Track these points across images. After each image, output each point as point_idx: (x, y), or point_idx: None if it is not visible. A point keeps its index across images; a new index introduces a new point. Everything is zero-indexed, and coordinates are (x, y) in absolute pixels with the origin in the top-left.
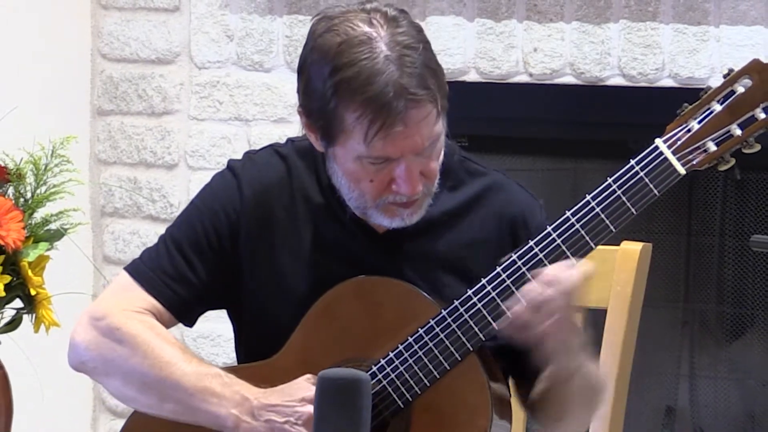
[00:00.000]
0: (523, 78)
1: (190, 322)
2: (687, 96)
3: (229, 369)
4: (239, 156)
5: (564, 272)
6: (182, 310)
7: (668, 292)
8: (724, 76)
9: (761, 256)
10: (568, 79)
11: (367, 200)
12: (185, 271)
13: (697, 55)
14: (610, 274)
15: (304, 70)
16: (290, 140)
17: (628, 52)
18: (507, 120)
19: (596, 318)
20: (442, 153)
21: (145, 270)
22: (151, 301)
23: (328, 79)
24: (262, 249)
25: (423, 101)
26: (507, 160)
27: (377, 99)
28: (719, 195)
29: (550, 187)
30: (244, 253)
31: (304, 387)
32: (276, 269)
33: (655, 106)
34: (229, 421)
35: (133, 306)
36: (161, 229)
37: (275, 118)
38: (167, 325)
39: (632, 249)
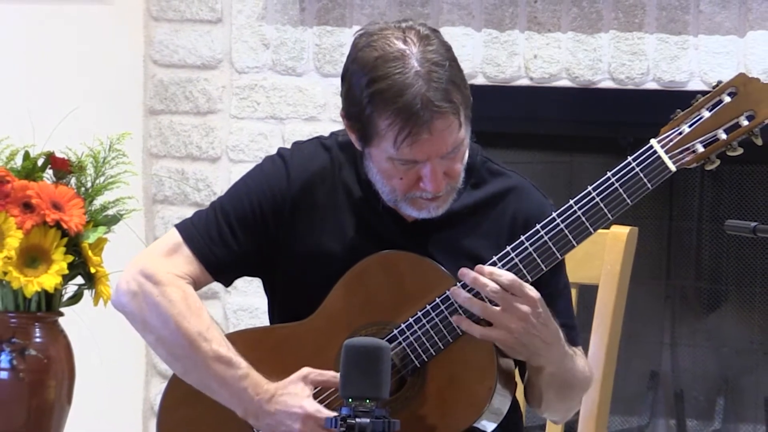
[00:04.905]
0: (524, 81)
1: (226, 283)
2: (669, 98)
3: (267, 330)
4: (275, 150)
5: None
6: (220, 271)
7: (652, 270)
8: (713, 87)
9: (734, 238)
10: (565, 83)
11: (397, 194)
12: (228, 239)
13: (678, 62)
14: (601, 254)
15: (345, 79)
16: (334, 134)
17: (617, 59)
18: (510, 119)
19: (589, 293)
20: (466, 155)
21: (194, 232)
22: (193, 263)
23: (365, 89)
24: (304, 227)
25: (447, 113)
26: (510, 154)
27: (406, 109)
28: (697, 184)
29: (548, 178)
30: (285, 230)
31: (299, 399)
32: (316, 246)
33: (641, 107)
34: (239, 411)
35: (177, 270)
36: None
37: (306, 116)
38: (205, 283)
39: (621, 232)
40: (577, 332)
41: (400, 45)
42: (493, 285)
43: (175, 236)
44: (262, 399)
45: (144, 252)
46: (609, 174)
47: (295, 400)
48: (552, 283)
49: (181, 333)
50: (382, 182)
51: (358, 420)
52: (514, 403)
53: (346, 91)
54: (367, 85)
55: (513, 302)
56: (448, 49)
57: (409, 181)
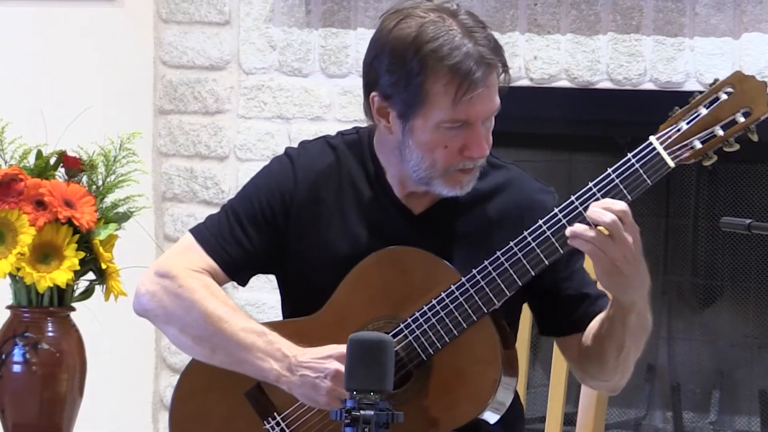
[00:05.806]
0: (524, 82)
1: (242, 282)
2: (666, 98)
3: (278, 323)
4: (282, 149)
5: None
6: (235, 270)
7: (649, 266)
8: (710, 85)
9: (729, 235)
10: (564, 83)
11: (437, 168)
12: (241, 238)
13: (675, 63)
14: None
15: (376, 62)
16: (340, 133)
17: (615, 60)
18: (511, 118)
19: None
20: None
21: (207, 234)
22: (208, 261)
23: (414, 56)
24: (311, 225)
25: (497, 66)
26: (511, 153)
27: (462, 65)
28: (693, 182)
29: (547, 177)
30: (293, 228)
31: (332, 347)
32: (323, 243)
33: (638, 107)
34: (272, 375)
35: (193, 265)
36: (214, 211)
37: (312, 116)
38: (221, 283)
39: None
40: (605, 298)
41: (435, 14)
42: (610, 215)
43: (189, 239)
44: (297, 354)
45: (158, 258)
46: (609, 170)
47: (329, 348)
48: (570, 264)
49: (207, 314)
50: (421, 157)
51: (362, 412)
52: (515, 394)
53: (383, 72)
54: (416, 51)
55: (622, 231)
56: (476, 17)
57: (453, 149)
